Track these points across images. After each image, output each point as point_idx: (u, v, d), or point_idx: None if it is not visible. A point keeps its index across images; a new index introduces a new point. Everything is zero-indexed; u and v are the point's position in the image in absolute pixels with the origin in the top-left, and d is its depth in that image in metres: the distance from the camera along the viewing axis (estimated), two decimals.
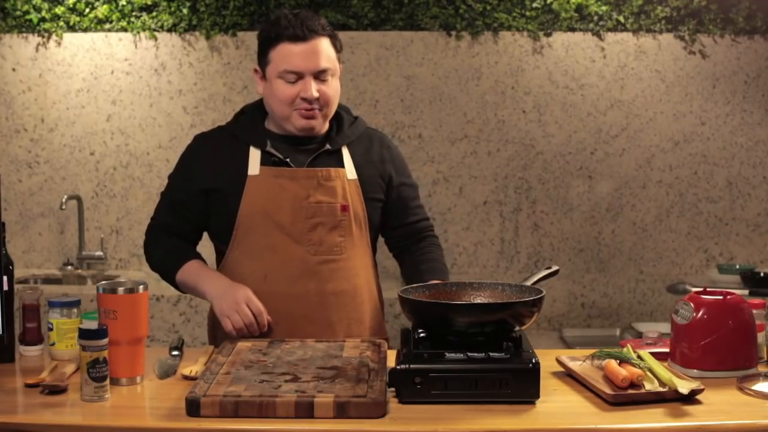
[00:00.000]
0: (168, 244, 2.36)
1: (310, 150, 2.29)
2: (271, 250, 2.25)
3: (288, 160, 2.26)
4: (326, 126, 2.32)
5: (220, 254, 2.35)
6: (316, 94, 2.20)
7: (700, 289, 2.08)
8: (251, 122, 2.33)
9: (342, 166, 2.29)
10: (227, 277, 2.28)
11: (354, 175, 2.30)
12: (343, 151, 2.32)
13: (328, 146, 2.29)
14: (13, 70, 4.13)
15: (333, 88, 2.24)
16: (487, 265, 4.16)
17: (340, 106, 2.35)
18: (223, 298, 2.20)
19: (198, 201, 2.31)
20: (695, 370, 1.96)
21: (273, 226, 2.24)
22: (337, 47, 2.26)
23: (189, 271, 2.31)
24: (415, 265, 2.40)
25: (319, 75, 2.21)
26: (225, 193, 2.27)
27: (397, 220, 2.42)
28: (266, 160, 2.27)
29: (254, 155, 2.27)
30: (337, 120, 2.34)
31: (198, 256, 2.36)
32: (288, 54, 2.19)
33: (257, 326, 2.18)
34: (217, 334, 2.34)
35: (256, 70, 2.30)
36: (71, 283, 4.05)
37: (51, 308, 2.13)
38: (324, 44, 2.21)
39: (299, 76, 2.20)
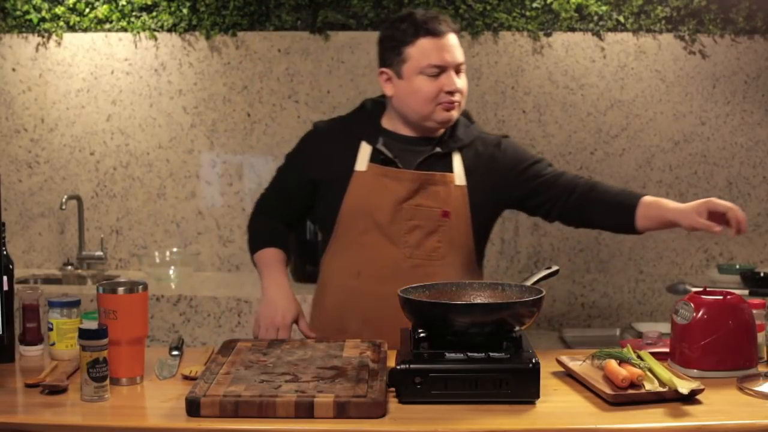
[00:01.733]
0: (263, 223, 2.43)
1: (422, 152, 2.28)
2: (366, 247, 2.27)
3: (397, 159, 2.26)
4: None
5: (324, 242, 2.40)
6: (459, 86, 2.22)
7: (700, 289, 2.08)
8: (369, 118, 2.35)
9: (451, 170, 2.28)
10: (326, 268, 2.34)
11: (463, 181, 2.28)
12: (454, 156, 2.30)
13: (438, 149, 2.28)
14: (13, 70, 4.13)
15: (466, 83, 2.28)
16: (487, 265, 4.15)
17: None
18: (267, 307, 2.27)
19: (304, 189, 2.37)
20: (695, 370, 1.96)
21: (372, 224, 2.26)
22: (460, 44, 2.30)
23: (262, 259, 2.37)
24: (610, 197, 2.31)
25: (458, 68, 2.24)
26: (332, 185, 2.30)
27: (543, 194, 2.34)
28: (375, 157, 2.28)
29: (364, 151, 2.29)
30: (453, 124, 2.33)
31: (280, 244, 2.39)
32: (431, 49, 2.20)
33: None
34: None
35: (382, 72, 2.29)
36: (71, 283, 4.05)
37: (51, 308, 2.13)
38: (456, 39, 2.25)
39: (442, 70, 2.21)
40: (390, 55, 2.26)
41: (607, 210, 2.31)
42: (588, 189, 2.33)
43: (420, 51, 2.21)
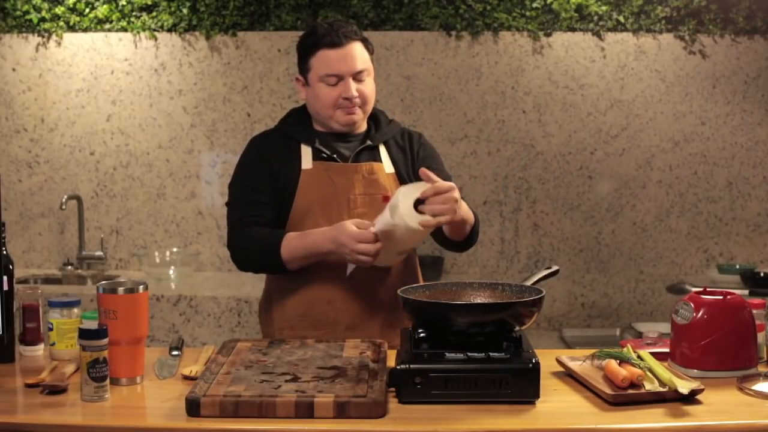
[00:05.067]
0: (257, 233, 2.36)
1: (352, 146, 2.46)
2: None
3: (335, 155, 2.43)
4: (365, 123, 2.50)
5: None
6: (355, 94, 2.39)
7: (700, 289, 2.08)
8: (300, 123, 2.50)
9: (380, 161, 2.47)
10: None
11: (391, 169, 2.47)
12: (381, 148, 2.48)
13: (369, 142, 2.46)
14: (13, 70, 4.13)
15: (369, 87, 2.43)
16: (487, 265, 4.16)
17: (377, 109, 2.54)
18: (341, 235, 2.23)
19: (271, 193, 2.40)
20: (695, 370, 1.96)
21: (323, 216, 2.38)
22: (369, 50, 2.45)
23: (291, 240, 2.32)
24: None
25: (357, 75, 2.40)
26: (283, 187, 2.41)
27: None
28: (316, 155, 2.44)
29: (306, 151, 2.44)
30: (375, 120, 2.52)
31: (284, 233, 2.37)
32: (327, 59, 2.38)
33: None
34: (271, 328, 2.43)
35: (297, 79, 2.48)
36: (71, 283, 4.05)
37: (51, 308, 2.13)
38: (358, 48, 2.40)
39: (339, 78, 2.38)
40: (300, 64, 2.46)
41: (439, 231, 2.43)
42: None
43: (320, 61, 2.39)
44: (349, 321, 2.37)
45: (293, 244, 2.32)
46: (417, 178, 2.49)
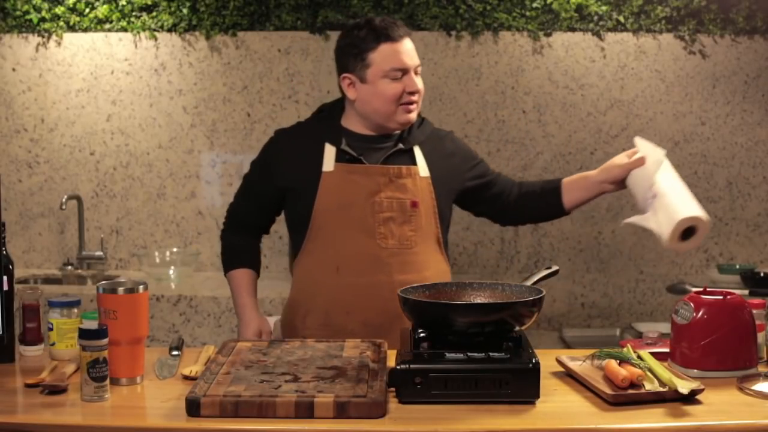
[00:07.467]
0: (236, 240, 2.55)
1: (384, 149, 2.41)
2: (343, 243, 2.36)
3: (362, 157, 2.38)
4: None
5: (296, 244, 2.46)
6: (420, 87, 2.37)
7: (700, 289, 2.08)
8: (330, 120, 2.46)
9: (414, 164, 2.42)
10: (301, 269, 2.43)
11: (426, 172, 2.42)
12: (416, 150, 2.44)
13: (401, 145, 2.42)
14: (13, 70, 4.14)
15: (422, 83, 2.42)
16: (487, 265, 4.16)
17: None
18: (247, 328, 2.46)
19: (273, 195, 2.47)
20: (695, 370, 1.97)
21: (346, 220, 2.35)
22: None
23: (236, 279, 2.51)
24: (536, 187, 2.58)
25: (417, 69, 2.38)
26: (301, 189, 2.40)
27: (484, 193, 2.55)
28: (341, 157, 2.39)
29: (329, 152, 2.39)
30: None
31: (253, 264, 2.53)
32: (392, 53, 2.34)
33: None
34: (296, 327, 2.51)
35: (344, 77, 2.40)
36: (71, 283, 4.05)
37: (51, 308, 2.14)
38: (411, 43, 2.39)
39: (404, 72, 2.35)
40: (353, 61, 2.38)
41: (537, 199, 2.55)
42: (518, 186, 2.58)
43: (382, 56, 2.34)
44: (367, 332, 2.32)
45: (234, 284, 2.51)
46: (455, 182, 2.47)
